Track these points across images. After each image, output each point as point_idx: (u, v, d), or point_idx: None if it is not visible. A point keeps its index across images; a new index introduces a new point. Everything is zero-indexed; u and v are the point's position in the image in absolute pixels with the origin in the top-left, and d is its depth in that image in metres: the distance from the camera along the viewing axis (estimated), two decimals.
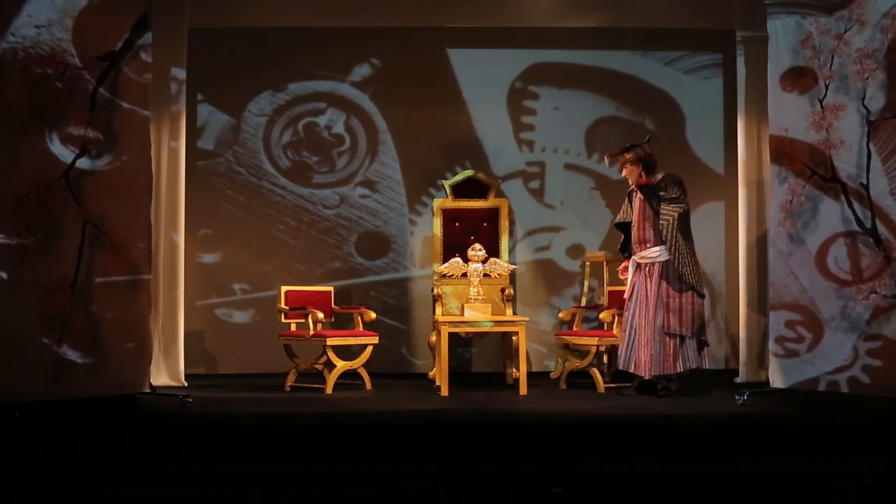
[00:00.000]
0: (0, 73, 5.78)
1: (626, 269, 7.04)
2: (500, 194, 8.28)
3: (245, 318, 8.40)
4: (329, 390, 7.06)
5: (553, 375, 7.91)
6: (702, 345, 6.80)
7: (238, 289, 8.40)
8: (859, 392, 6.00)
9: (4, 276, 5.72)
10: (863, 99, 6.07)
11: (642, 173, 6.89)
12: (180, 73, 7.58)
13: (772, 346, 6.44)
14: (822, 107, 6.24)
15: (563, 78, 8.56)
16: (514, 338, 7.39)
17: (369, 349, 7.28)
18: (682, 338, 6.72)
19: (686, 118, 8.59)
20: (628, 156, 6.93)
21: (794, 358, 6.27)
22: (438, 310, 7.77)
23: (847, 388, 6.03)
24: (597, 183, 8.52)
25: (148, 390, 6.34)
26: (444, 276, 7.59)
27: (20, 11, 5.89)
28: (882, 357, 5.91)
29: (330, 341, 7.09)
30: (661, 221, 6.78)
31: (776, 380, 6.38)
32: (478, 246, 7.40)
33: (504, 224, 8.18)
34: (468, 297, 7.30)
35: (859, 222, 6.04)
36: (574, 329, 7.71)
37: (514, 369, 7.44)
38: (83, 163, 6.04)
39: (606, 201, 8.48)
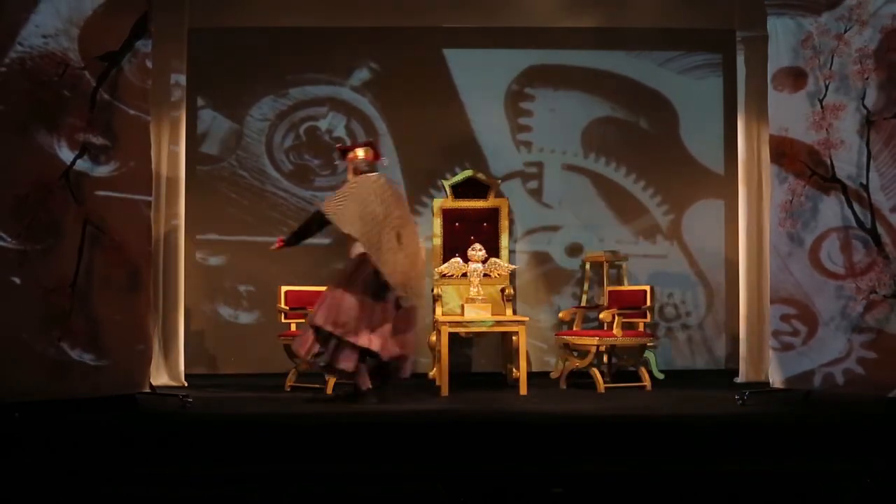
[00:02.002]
0: (7, 82, 5.77)
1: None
2: (499, 194, 8.28)
3: (250, 319, 8.41)
4: (329, 390, 7.05)
5: (553, 375, 7.91)
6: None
7: (243, 290, 8.41)
8: (854, 383, 5.99)
9: (17, 280, 5.71)
10: (863, 99, 6.06)
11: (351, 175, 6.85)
12: (181, 79, 7.60)
13: (770, 340, 6.44)
14: (822, 107, 6.24)
15: (559, 79, 8.57)
16: (514, 337, 7.38)
17: None
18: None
19: (680, 118, 8.59)
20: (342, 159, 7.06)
21: (789, 351, 6.27)
22: (438, 310, 7.77)
23: (842, 380, 6.03)
24: (594, 183, 8.53)
25: (148, 390, 6.34)
26: (444, 275, 7.59)
27: (27, 22, 5.87)
28: (875, 349, 5.91)
29: None
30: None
31: (773, 373, 6.39)
32: (478, 246, 7.39)
33: (504, 224, 8.18)
34: (468, 296, 7.30)
35: (859, 222, 6.04)
36: (574, 329, 7.71)
37: (514, 369, 7.44)
38: (88, 167, 6.03)
39: (606, 202, 8.50)
